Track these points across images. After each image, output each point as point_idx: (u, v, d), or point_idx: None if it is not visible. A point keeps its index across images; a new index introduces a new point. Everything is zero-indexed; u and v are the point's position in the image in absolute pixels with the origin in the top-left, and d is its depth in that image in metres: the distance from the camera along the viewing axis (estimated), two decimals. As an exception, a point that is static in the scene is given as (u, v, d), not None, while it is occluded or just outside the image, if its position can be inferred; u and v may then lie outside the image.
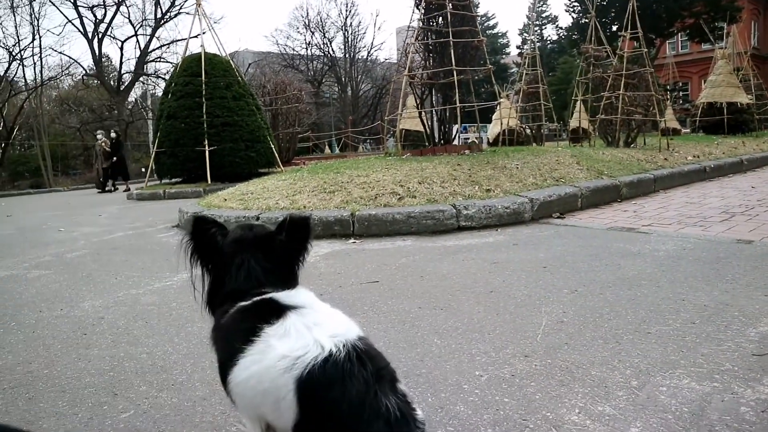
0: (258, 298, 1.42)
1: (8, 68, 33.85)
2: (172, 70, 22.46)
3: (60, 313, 3.37)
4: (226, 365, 1.38)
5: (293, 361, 1.27)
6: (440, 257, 4.24)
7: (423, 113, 9.27)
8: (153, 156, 14.71)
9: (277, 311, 1.38)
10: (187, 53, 15.38)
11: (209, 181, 13.07)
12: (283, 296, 1.43)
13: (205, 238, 1.51)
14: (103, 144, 19.05)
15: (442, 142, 9.10)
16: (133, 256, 5.24)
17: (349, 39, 48.00)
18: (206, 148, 13.38)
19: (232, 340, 1.38)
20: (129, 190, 17.92)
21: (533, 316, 2.76)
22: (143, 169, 25.25)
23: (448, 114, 8.97)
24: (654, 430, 1.67)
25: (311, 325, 1.35)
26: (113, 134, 19.47)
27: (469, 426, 1.76)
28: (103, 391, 2.20)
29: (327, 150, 29.32)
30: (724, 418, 1.70)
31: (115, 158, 18.70)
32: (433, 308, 3.01)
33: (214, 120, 13.84)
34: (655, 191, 7.23)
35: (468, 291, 3.29)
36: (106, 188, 18.96)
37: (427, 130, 9.28)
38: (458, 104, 8.13)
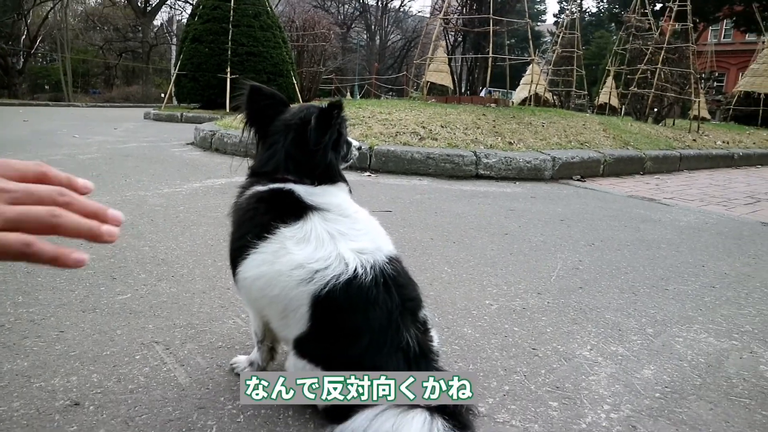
0: (275, 185, 1.25)
1: (35, -25, 33.31)
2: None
3: (66, 204, 3.31)
4: (235, 253, 1.24)
5: (311, 273, 1.12)
6: (456, 199, 4.13)
7: (452, 62, 9.00)
8: (173, 78, 14.49)
9: (297, 210, 1.21)
10: (219, -25, 14.92)
11: (228, 110, 12.85)
12: (306, 192, 1.24)
13: (258, 111, 1.35)
14: None
15: (468, 93, 8.86)
16: (144, 163, 5.16)
17: (383, -15, 46.64)
18: (228, 75, 13.14)
19: (244, 229, 1.23)
20: None
21: (548, 260, 2.67)
22: (162, 95, 24.76)
23: (478, 65, 8.70)
24: (668, 374, 1.59)
25: (336, 234, 1.18)
26: None
27: (475, 347, 1.69)
28: (102, 274, 2.14)
29: (348, 96, 28.86)
30: (741, 373, 1.63)
31: None
32: (445, 240, 2.92)
33: (239, 48, 13.57)
34: (680, 170, 7.05)
35: (482, 230, 3.19)
36: None
37: (455, 79, 9.03)
38: (491, 54, 7.85)
